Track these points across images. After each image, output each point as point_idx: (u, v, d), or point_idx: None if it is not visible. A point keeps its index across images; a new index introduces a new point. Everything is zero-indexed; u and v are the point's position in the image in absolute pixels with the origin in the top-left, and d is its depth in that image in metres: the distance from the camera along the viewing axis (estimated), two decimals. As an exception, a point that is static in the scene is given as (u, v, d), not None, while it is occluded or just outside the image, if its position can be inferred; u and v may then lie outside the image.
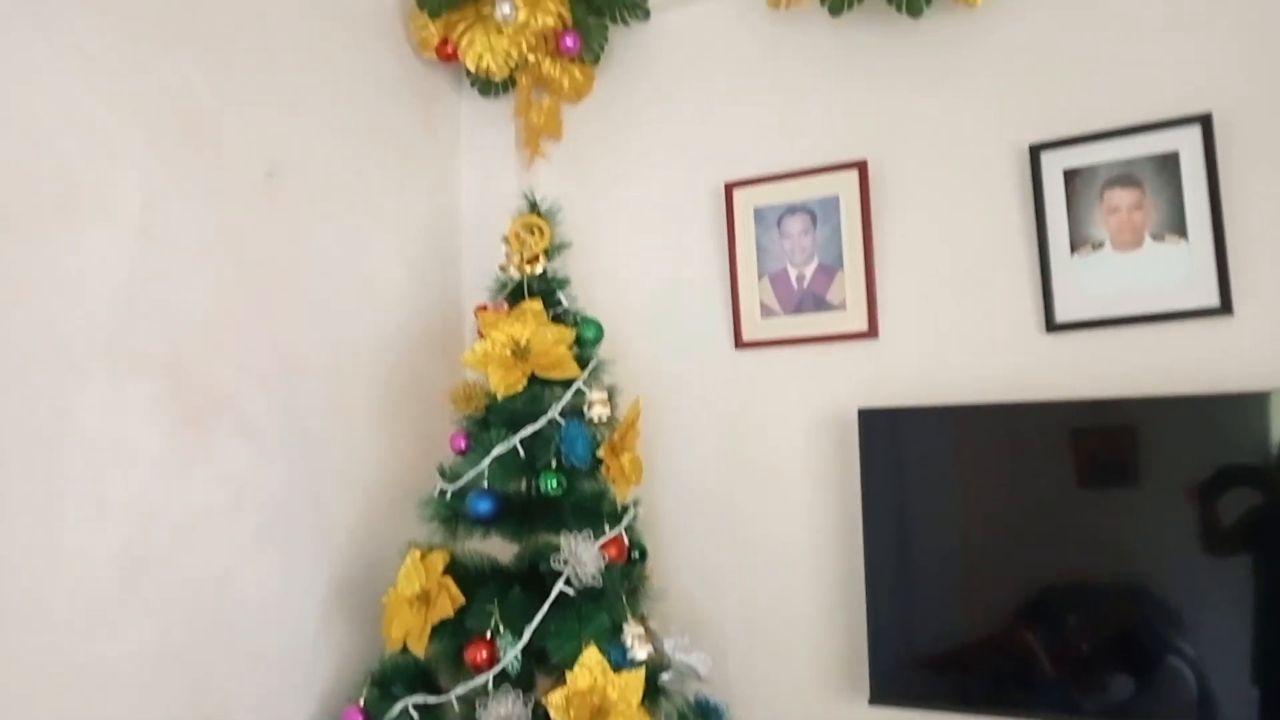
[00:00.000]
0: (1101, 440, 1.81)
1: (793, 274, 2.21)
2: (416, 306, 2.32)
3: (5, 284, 1.45)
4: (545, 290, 2.00)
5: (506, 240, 2.04)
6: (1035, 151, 1.96)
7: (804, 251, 2.20)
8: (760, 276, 2.25)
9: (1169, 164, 1.86)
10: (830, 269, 2.17)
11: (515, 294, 1.99)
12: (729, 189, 2.28)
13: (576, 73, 2.39)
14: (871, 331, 2.12)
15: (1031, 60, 2.01)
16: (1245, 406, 1.70)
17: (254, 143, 1.91)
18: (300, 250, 2.00)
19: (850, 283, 2.15)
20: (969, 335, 2.04)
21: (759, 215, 2.25)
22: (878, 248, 2.13)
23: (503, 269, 2.04)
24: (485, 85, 2.40)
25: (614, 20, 2.35)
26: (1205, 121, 1.82)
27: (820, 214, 2.19)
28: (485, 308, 1.99)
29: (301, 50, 2.05)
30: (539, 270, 2.01)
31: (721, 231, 2.30)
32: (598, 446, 1.90)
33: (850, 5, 2.01)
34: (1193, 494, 1.72)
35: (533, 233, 2.03)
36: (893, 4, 1.99)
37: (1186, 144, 1.84)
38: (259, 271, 1.90)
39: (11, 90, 1.48)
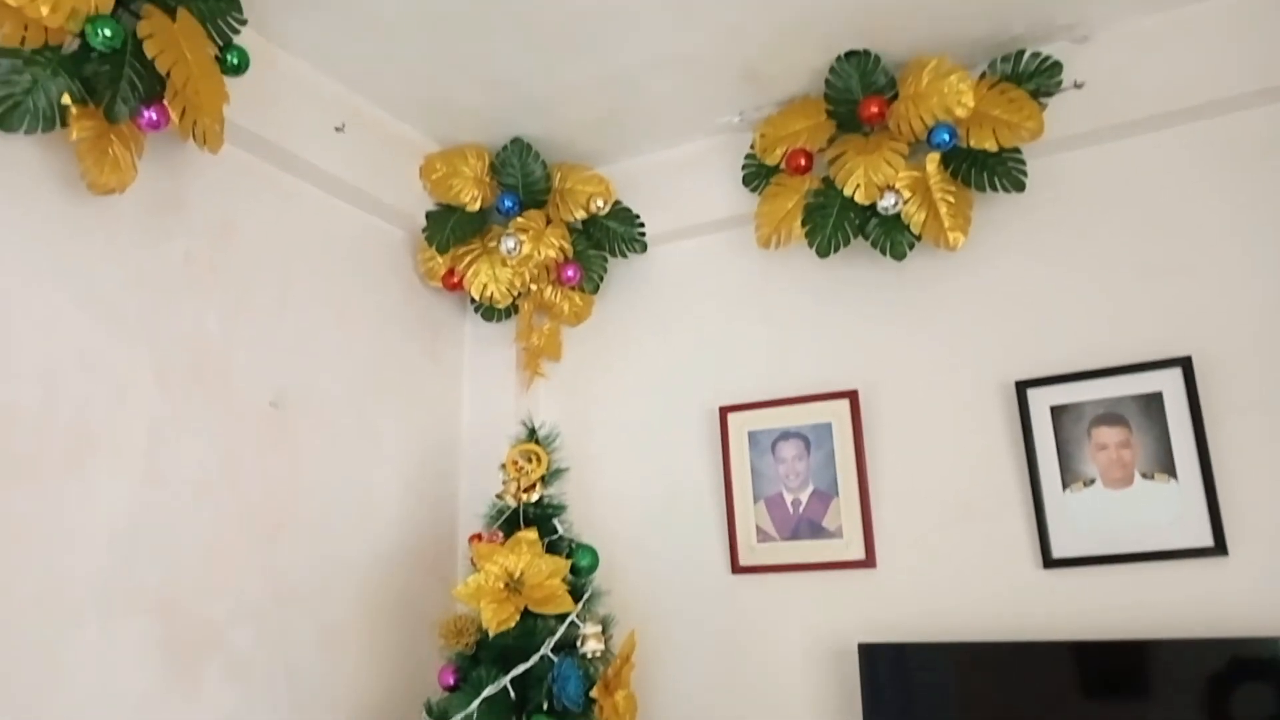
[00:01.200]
0: (1107, 667, 1.79)
1: (788, 499, 2.22)
2: (412, 529, 2.31)
3: (8, 529, 1.46)
4: (541, 517, 2.01)
5: (504, 467, 2.07)
6: (1021, 387, 2.02)
7: (799, 476, 2.22)
8: (756, 500, 2.25)
9: (1153, 403, 1.90)
10: (825, 495, 2.18)
11: (511, 521, 1.99)
12: (723, 413, 2.32)
13: (577, 299, 2.48)
14: (869, 561, 2.10)
15: (1013, 300, 2.09)
16: (1247, 650, 1.68)
17: (261, 375, 1.96)
18: (300, 478, 2.02)
19: (846, 510, 2.15)
20: (968, 568, 2.02)
21: (753, 439, 2.28)
22: (872, 476, 2.15)
23: (499, 496, 2.05)
24: (489, 311, 2.48)
25: (613, 254, 2.46)
26: (1185, 364, 1.88)
27: (814, 440, 2.22)
28: (480, 537, 1.98)
29: (314, 285, 2.14)
30: (535, 498, 2.02)
31: (717, 454, 2.33)
32: (591, 685, 1.85)
33: (836, 248, 2.12)
34: (1205, 691, 1.69)
35: (530, 460, 2.05)
36: (877, 248, 2.09)
37: (1169, 385, 1.89)
38: (258, 502, 1.91)
39: (32, 339, 1.55)
